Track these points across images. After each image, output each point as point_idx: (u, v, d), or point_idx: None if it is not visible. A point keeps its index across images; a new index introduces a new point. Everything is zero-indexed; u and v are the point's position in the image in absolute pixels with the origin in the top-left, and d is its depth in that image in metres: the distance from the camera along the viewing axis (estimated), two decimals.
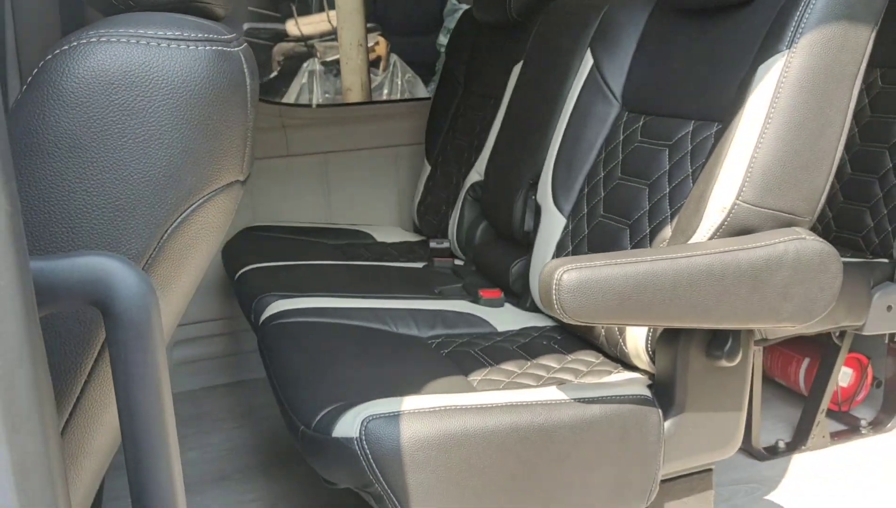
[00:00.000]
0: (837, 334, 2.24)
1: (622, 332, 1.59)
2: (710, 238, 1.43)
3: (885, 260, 2.25)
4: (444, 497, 1.29)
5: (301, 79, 5.12)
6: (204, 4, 0.83)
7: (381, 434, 1.27)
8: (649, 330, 1.52)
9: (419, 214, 2.88)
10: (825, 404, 2.29)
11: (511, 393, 1.43)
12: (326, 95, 5.07)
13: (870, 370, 2.47)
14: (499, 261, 2.18)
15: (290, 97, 5.12)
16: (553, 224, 1.90)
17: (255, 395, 2.83)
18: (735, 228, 1.42)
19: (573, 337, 1.79)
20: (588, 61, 1.94)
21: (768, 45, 1.44)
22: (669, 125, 1.69)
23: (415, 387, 1.44)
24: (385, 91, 5.19)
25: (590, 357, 1.68)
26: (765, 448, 2.29)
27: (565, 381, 1.55)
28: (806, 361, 2.45)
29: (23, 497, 0.51)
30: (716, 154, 1.49)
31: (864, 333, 2.17)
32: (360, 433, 1.27)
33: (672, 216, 1.59)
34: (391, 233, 2.84)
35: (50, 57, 0.69)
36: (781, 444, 2.31)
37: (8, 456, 0.50)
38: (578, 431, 1.38)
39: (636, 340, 1.55)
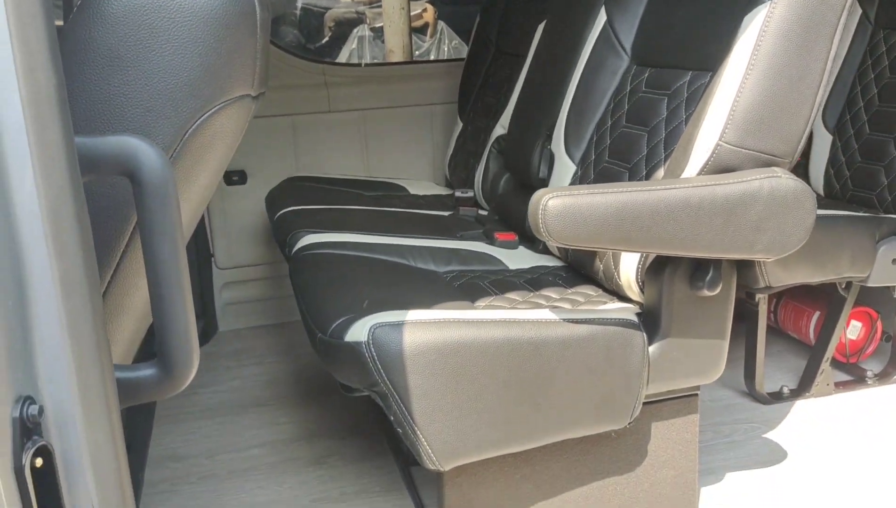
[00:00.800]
0: (843, 285, 2.33)
1: (617, 266, 1.73)
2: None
3: (894, 216, 2.33)
4: (440, 397, 1.46)
5: (351, 44, 5.31)
6: None
7: (385, 339, 1.44)
8: (640, 263, 1.65)
9: (450, 169, 3.03)
10: (830, 353, 2.39)
11: (506, 311, 1.58)
12: (375, 60, 5.24)
13: (879, 324, 2.54)
14: (518, 209, 2.32)
15: (340, 61, 5.30)
16: (564, 171, 2.04)
17: (294, 335, 3.05)
18: (718, 168, 1.54)
19: (577, 274, 1.93)
20: (602, 18, 2.06)
21: None
22: (670, 76, 1.80)
23: (422, 306, 1.60)
24: (432, 57, 5.33)
25: (589, 290, 1.82)
26: (769, 394, 2.40)
27: (560, 308, 1.70)
28: (816, 314, 2.53)
29: (68, 302, 0.68)
30: (704, 99, 1.61)
31: (869, 285, 2.25)
32: (367, 338, 1.44)
33: (666, 159, 1.71)
34: (424, 187, 3.00)
35: None
36: (786, 390, 2.41)
37: (57, 267, 0.67)
38: (565, 347, 1.53)
39: (628, 272, 1.68)
